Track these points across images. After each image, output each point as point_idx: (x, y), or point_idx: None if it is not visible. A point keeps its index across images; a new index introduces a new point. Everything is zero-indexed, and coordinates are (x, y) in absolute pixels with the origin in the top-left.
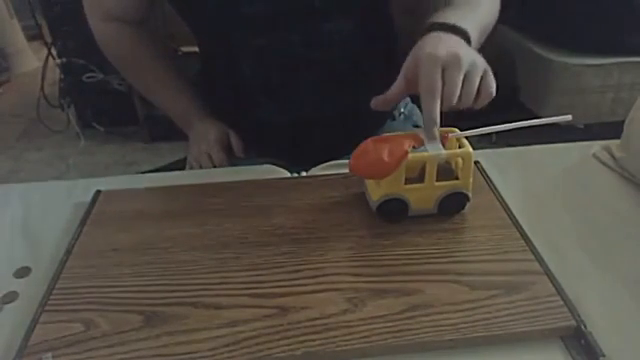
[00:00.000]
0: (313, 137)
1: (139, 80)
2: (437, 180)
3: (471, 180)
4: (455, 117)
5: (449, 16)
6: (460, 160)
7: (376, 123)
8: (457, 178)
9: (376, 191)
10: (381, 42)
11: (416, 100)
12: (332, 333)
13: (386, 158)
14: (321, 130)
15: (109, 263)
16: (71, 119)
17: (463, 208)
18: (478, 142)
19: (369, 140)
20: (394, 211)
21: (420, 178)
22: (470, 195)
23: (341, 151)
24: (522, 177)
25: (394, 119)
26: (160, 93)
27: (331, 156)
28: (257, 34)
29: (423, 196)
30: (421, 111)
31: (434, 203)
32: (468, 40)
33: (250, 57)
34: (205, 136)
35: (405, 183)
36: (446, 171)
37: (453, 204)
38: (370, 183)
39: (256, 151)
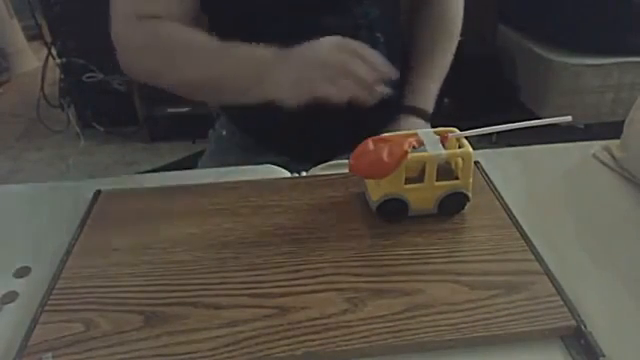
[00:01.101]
0: (321, 128)
1: (189, 68)
2: (437, 180)
3: (471, 180)
4: (455, 117)
5: (421, 92)
6: (460, 160)
7: (380, 121)
8: (457, 178)
9: (376, 191)
10: (397, 29)
11: None
12: (332, 333)
13: (386, 158)
14: (330, 122)
15: (109, 263)
16: (71, 119)
17: (463, 208)
18: (478, 142)
19: (369, 140)
20: (394, 211)
21: (420, 178)
22: (470, 195)
23: (341, 151)
24: (522, 177)
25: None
26: (218, 63)
27: (331, 156)
28: (282, 19)
29: (423, 196)
30: None
31: (434, 203)
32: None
33: (274, 43)
34: (316, 49)
35: (405, 183)
36: (446, 171)
37: (453, 204)
38: (370, 183)
39: (261, 142)
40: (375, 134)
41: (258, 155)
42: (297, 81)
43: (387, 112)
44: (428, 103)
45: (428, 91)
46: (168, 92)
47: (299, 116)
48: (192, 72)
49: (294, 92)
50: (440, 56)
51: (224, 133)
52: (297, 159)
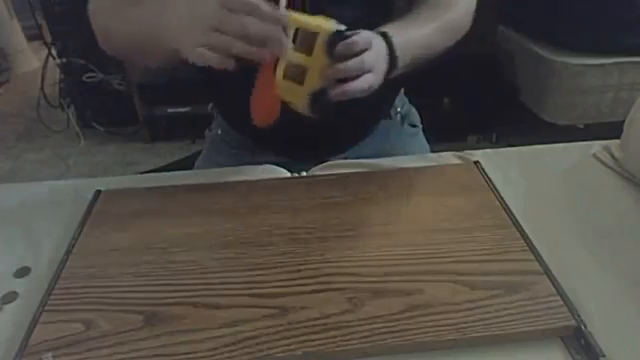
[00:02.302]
0: (314, 129)
1: (130, 18)
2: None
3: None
4: (455, 117)
5: (396, 28)
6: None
7: (372, 118)
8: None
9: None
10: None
11: (413, 100)
12: (332, 333)
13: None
14: (323, 123)
15: (109, 263)
16: (71, 119)
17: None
18: (478, 142)
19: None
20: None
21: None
22: (333, 30)
23: (339, 151)
24: (522, 177)
25: (390, 118)
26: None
27: (330, 156)
28: None
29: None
30: (418, 111)
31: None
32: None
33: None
34: None
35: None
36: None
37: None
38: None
39: (256, 142)
40: (371, 131)
41: (254, 155)
42: (189, 20)
43: (383, 109)
44: (399, 35)
45: (404, 32)
46: (168, 92)
47: (292, 117)
48: (131, 21)
49: (188, 36)
50: (426, 24)
51: (219, 132)
52: (292, 159)
